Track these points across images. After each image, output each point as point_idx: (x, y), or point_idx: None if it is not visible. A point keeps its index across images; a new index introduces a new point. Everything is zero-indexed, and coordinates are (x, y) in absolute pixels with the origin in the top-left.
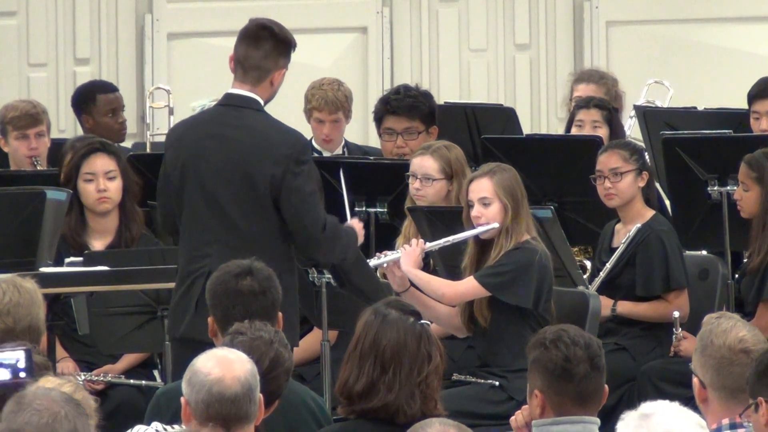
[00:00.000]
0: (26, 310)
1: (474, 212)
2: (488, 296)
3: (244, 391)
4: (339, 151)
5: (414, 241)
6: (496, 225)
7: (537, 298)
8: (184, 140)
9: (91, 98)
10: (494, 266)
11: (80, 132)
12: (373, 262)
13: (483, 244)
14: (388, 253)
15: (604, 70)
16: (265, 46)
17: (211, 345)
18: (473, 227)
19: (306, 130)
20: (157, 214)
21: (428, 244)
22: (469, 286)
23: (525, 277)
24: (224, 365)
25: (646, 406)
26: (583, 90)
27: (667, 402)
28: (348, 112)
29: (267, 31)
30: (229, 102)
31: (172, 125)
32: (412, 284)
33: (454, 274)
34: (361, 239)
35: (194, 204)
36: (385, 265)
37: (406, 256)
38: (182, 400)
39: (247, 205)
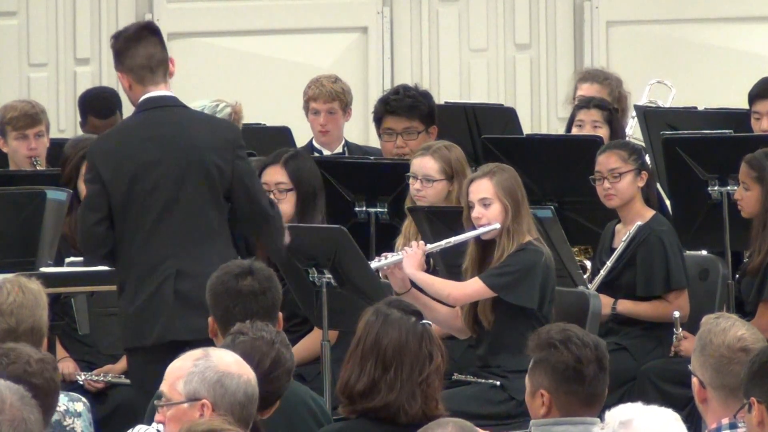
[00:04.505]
0: (30, 311)
1: (474, 213)
2: (492, 298)
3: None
4: (339, 150)
5: (415, 243)
6: (497, 226)
7: (541, 299)
8: (122, 151)
9: (83, 115)
10: (499, 267)
11: (80, 132)
12: (374, 264)
13: (484, 245)
14: (390, 255)
15: (610, 71)
16: (154, 39)
17: (196, 344)
18: (473, 228)
19: (307, 130)
20: (81, 230)
21: (429, 246)
22: (475, 287)
23: (530, 278)
24: (243, 366)
25: (620, 414)
26: (587, 89)
27: (639, 404)
28: (345, 106)
29: (146, 29)
30: (154, 105)
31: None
32: (413, 285)
33: (455, 274)
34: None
35: (149, 209)
36: (386, 267)
37: (408, 258)
38: (204, 403)
39: (206, 198)
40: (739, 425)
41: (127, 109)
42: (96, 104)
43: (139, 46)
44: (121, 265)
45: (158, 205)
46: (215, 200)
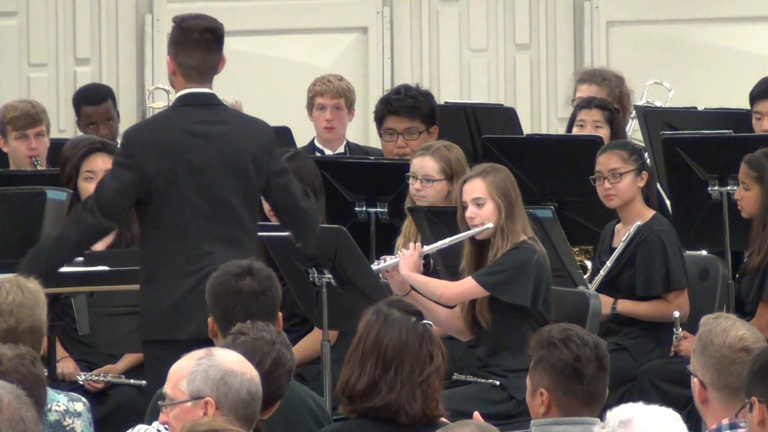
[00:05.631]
0: (29, 311)
1: (468, 213)
2: (488, 298)
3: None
4: (341, 150)
5: (411, 245)
6: (491, 225)
7: (535, 297)
8: (165, 144)
9: (78, 108)
10: (492, 266)
11: (80, 132)
12: (373, 268)
13: (480, 245)
14: (387, 258)
15: (610, 70)
16: (215, 46)
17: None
18: (468, 228)
19: (306, 130)
20: (106, 200)
21: (426, 248)
22: (467, 286)
23: (522, 277)
24: (246, 365)
25: (620, 413)
26: (585, 91)
27: (639, 404)
28: (350, 104)
29: (210, 33)
30: (194, 101)
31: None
32: (413, 288)
33: (455, 275)
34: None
35: (190, 204)
36: (384, 270)
37: (404, 260)
38: (208, 401)
39: (247, 197)
40: (740, 425)
41: (124, 104)
42: (87, 94)
43: (198, 50)
44: (153, 255)
45: (199, 201)
46: (251, 200)
